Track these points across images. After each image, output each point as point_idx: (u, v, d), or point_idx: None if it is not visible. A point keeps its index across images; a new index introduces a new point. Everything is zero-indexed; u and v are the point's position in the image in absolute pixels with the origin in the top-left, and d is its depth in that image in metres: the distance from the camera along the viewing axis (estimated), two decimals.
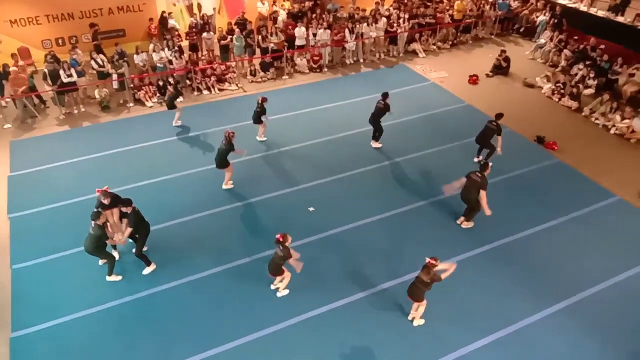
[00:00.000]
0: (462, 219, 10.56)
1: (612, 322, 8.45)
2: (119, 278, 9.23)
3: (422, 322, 8.39)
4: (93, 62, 15.24)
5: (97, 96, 15.24)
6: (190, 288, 9.08)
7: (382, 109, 12.61)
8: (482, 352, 7.94)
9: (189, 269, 9.44)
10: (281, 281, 8.86)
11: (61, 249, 9.84)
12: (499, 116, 11.84)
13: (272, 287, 8.99)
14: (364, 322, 8.41)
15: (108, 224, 9.03)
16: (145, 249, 9.52)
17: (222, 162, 11.14)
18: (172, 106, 13.97)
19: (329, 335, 8.19)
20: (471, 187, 9.99)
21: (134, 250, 9.42)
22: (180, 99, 14.73)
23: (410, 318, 8.47)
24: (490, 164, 10.17)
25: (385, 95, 12.62)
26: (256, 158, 12.76)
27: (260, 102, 12.86)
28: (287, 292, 8.92)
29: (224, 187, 11.59)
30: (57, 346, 8.02)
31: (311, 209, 10.95)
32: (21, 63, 15.25)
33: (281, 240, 8.19)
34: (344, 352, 7.92)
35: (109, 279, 9.19)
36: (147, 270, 9.33)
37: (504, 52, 17.45)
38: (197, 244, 10.02)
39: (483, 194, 9.81)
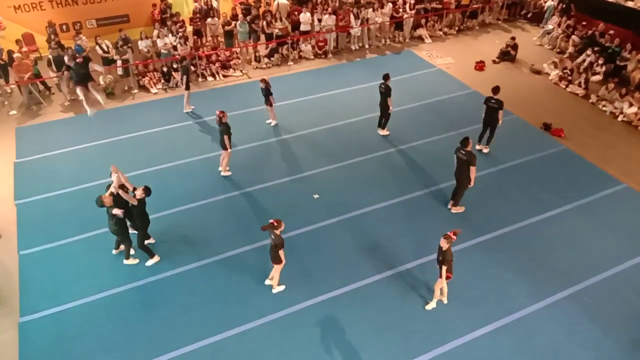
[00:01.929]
0: (451, 203, 10.57)
1: (613, 311, 8.45)
2: (136, 261, 9.31)
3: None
4: (98, 48, 15.20)
5: (102, 82, 15.21)
6: (193, 275, 9.15)
7: (383, 92, 12.51)
8: (484, 339, 7.97)
9: (192, 256, 9.51)
10: (272, 279, 8.77)
11: (67, 235, 9.92)
12: (496, 90, 11.65)
13: (266, 282, 8.96)
14: (363, 309, 8.46)
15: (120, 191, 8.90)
16: (153, 241, 9.59)
17: (221, 144, 11.12)
18: (189, 86, 13.92)
19: (328, 322, 8.25)
20: (461, 165, 10.03)
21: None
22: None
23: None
24: (470, 140, 10.03)
25: (385, 77, 12.45)
26: (260, 145, 12.75)
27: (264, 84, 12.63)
28: (282, 287, 8.77)
29: (222, 173, 11.58)
30: (64, 331, 8.14)
31: (315, 196, 10.96)
32: (25, 49, 15.25)
33: (275, 225, 7.98)
34: (342, 338, 7.98)
35: (126, 262, 9.28)
36: (149, 262, 9.32)
37: (513, 38, 17.23)
38: (200, 232, 10.08)
39: (472, 169, 9.85)
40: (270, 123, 13.49)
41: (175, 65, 15.61)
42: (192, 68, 16.11)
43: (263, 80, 12.73)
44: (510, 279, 9.03)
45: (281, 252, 8.16)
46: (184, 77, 13.73)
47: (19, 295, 8.79)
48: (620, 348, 7.87)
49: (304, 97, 14.91)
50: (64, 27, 17.40)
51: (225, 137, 10.86)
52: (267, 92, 12.78)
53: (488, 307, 8.49)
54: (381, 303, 8.55)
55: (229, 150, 11.16)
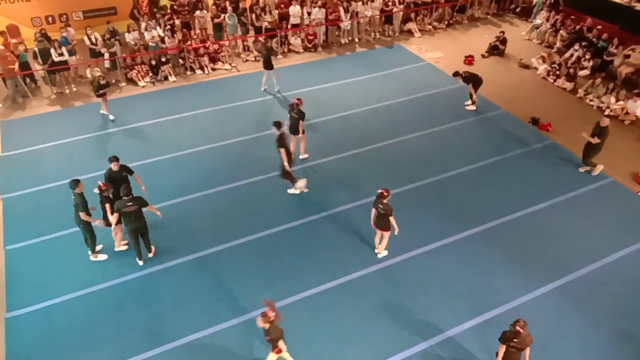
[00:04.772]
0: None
1: (599, 303, 8.56)
2: (105, 257, 9.26)
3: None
4: (86, 38, 14.98)
5: (89, 75, 15.01)
6: (183, 269, 9.11)
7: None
8: (471, 332, 8.03)
9: (182, 250, 9.47)
10: (380, 242, 9.28)
11: (54, 230, 9.83)
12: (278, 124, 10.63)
13: (376, 250, 9.35)
14: (354, 303, 8.49)
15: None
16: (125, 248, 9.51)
17: (295, 130, 11.38)
18: (270, 66, 14.21)
19: (319, 316, 8.28)
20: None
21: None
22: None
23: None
24: None
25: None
26: (249, 139, 12.70)
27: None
28: (386, 252, 9.34)
29: (301, 157, 11.82)
30: (52, 326, 8.07)
31: (305, 190, 10.94)
32: (14, 41, 15.03)
33: (384, 194, 8.53)
34: (333, 332, 8.02)
35: (92, 258, 9.19)
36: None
37: (502, 32, 17.32)
38: (190, 226, 10.03)
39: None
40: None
41: (163, 59, 15.47)
42: (181, 61, 16.02)
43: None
44: (498, 271, 9.11)
45: (392, 219, 8.65)
46: (267, 58, 14.12)
47: (5, 290, 8.69)
48: (608, 339, 7.98)
49: (293, 90, 14.82)
50: (50, 19, 17.13)
51: (301, 122, 11.18)
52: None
53: (477, 299, 8.56)
54: (371, 297, 8.59)
55: (303, 134, 11.50)
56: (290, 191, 10.83)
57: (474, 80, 13.62)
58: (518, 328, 6.52)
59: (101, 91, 13.03)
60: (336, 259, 9.30)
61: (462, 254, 9.45)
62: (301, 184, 10.67)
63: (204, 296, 8.60)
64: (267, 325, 6.65)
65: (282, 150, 10.19)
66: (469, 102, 14.02)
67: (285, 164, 10.29)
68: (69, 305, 8.42)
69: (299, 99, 11.24)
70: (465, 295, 8.65)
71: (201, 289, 8.73)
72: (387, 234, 9.02)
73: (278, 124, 10.33)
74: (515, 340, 6.57)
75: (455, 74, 13.83)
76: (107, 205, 8.74)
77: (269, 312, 6.64)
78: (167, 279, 8.92)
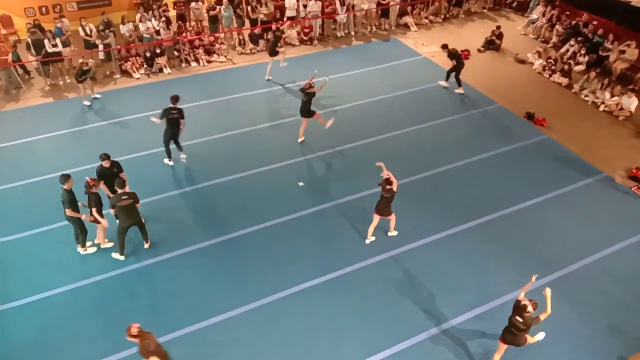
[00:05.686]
0: None
1: (591, 298, 8.62)
2: (94, 249, 9.22)
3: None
4: (80, 29, 14.84)
5: None
6: (176, 263, 9.10)
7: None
8: (464, 326, 8.07)
9: (174, 244, 9.45)
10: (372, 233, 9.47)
11: (46, 223, 9.77)
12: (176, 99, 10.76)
13: (367, 241, 9.43)
14: (347, 296, 8.51)
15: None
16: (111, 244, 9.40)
17: (306, 112, 11.70)
18: (274, 53, 14.37)
19: (313, 309, 8.29)
20: None
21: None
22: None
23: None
24: None
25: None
26: (244, 132, 12.67)
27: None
28: (396, 232, 9.58)
29: (299, 140, 12.20)
30: (44, 319, 8.05)
31: (300, 184, 10.94)
32: (4, 31, 14.87)
33: (390, 180, 8.65)
34: (327, 326, 8.03)
35: (81, 252, 9.16)
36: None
37: (498, 27, 17.31)
38: (182, 220, 10.01)
39: None
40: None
41: (158, 51, 15.37)
42: (176, 53, 15.92)
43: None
44: (491, 266, 9.14)
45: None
46: (273, 44, 14.41)
47: None
48: (598, 334, 8.04)
49: (288, 84, 14.78)
50: (44, 9, 16.97)
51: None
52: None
53: (471, 293, 8.60)
54: (365, 290, 8.61)
55: (313, 118, 11.83)
56: (165, 161, 11.34)
57: (457, 59, 13.92)
58: (526, 303, 6.69)
59: (82, 77, 13.04)
60: (330, 252, 9.31)
61: (456, 248, 9.48)
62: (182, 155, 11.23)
63: (198, 289, 8.59)
64: (133, 340, 6.32)
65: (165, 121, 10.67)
66: (444, 82, 14.51)
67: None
68: (61, 298, 8.40)
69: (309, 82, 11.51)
70: (459, 289, 8.69)
71: (195, 281, 8.72)
72: (389, 218, 9.27)
73: (174, 98, 10.67)
74: (518, 317, 6.76)
75: (444, 46, 14.19)
76: (94, 203, 8.62)
77: (132, 326, 6.30)
78: (160, 271, 8.91)
